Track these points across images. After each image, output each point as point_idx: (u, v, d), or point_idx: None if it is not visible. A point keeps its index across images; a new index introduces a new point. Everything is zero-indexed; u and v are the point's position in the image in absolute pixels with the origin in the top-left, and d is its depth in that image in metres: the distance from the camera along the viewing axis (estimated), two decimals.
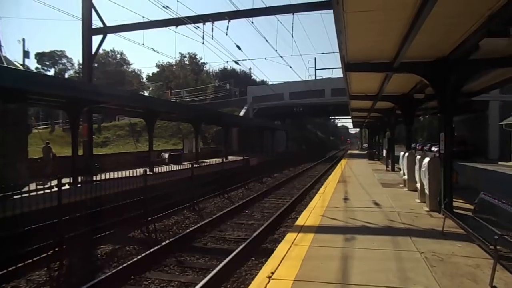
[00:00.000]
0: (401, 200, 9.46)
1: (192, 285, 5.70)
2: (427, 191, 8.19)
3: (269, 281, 4.19)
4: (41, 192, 7.51)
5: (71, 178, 11.72)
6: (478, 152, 33.69)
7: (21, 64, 30.01)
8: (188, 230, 9.12)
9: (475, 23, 5.53)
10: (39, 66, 68.46)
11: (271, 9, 15.93)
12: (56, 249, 7.05)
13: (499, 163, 27.03)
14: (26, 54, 36.06)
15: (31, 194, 7.37)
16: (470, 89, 11.54)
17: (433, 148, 37.45)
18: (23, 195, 7.24)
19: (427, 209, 8.11)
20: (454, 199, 7.60)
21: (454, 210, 6.90)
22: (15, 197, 7.33)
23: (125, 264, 6.56)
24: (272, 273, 4.43)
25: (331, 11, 5.54)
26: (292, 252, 5.22)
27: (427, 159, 8.24)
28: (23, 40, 36.06)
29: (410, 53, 6.93)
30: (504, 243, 3.96)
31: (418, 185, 9.18)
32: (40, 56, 68.44)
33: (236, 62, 22.45)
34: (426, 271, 4.39)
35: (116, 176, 9.88)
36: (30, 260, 6.75)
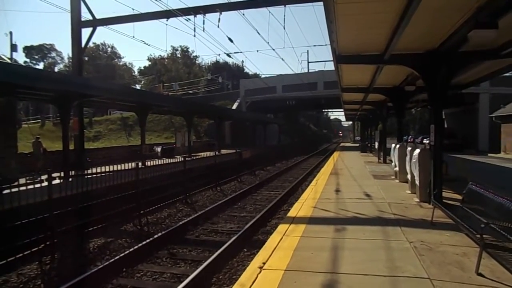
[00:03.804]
0: (392, 191, 9.57)
1: (185, 277, 5.72)
2: (417, 182, 8.29)
3: (260, 271, 4.23)
4: (31, 186, 7.45)
5: (62, 173, 11.61)
6: (468, 145, 34.15)
7: (8, 58, 29.49)
8: (180, 223, 9.13)
9: (464, 15, 5.57)
10: (28, 60, 67.45)
11: (262, 1, 15.77)
12: (48, 243, 7.02)
13: (489, 155, 27.46)
14: (13, 48, 35.44)
15: (21, 188, 7.30)
16: (460, 82, 11.65)
17: (425, 141, 37.78)
18: (13, 190, 7.17)
19: (417, 200, 8.22)
20: (444, 190, 7.70)
21: (444, 201, 6.99)
22: (4, 191, 7.25)
23: (117, 257, 6.56)
24: (264, 263, 4.47)
25: (322, 3, 5.52)
26: (283, 243, 5.26)
27: (417, 151, 8.33)
28: (11, 33, 35.42)
29: (401, 45, 6.97)
30: (490, 231, 4.03)
31: (409, 176, 9.28)
32: (28, 50, 67.37)
33: (228, 55, 22.29)
34: (415, 260, 4.46)
35: (107, 170, 9.83)
36: (21, 254, 6.71)
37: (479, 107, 34.76)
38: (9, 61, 24.15)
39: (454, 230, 5.51)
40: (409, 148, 9.38)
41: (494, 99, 33.33)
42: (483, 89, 33.10)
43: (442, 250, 4.78)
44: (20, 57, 64.06)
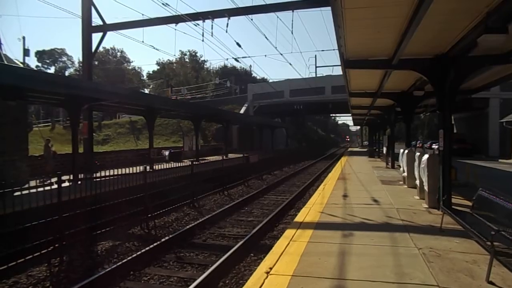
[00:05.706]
0: (400, 197, 9.48)
1: (191, 281, 5.73)
2: (426, 188, 8.20)
3: (267, 276, 4.22)
4: (41, 189, 7.54)
5: (71, 175, 11.73)
6: (478, 150, 33.70)
7: (21, 62, 30.06)
8: (187, 227, 9.16)
9: (474, 20, 5.54)
10: (39, 64, 68.61)
11: (270, 6, 15.91)
12: (56, 245, 7.09)
13: (500, 160, 27.04)
14: (26, 52, 35.99)
15: (31, 191, 7.40)
16: (470, 86, 11.55)
17: (434, 146, 37.38)
18: (23, 192, 7.26)
19: (426, 206, 8.13)
20: (453, 196, 7.63)
21: (453, 207, 6.93)
22: (15, 194, 7.35)
23: (125, 260, 6.60)
24: (271, 268, 4.46)
25: (330, 8, 5.54)
26: (290, 248, 5.25)
27: (426, 156, 8.25)
28: (23, 38, 35.95)
29: (409, 50, 6.94)
30: (501, 238, 3.97)
31: (417, 182, 9.19)
32: (40, 54, 68.51)
33: (236, 60, 22.52)
34: (423, 266, 4.41)
35: (116, 173, 9.91)
36: (31, 256, 6.79)
37: (489, 112, 34.30)
38: (21, 65, 24.59)
39: (463, 237, 5.44)
40: (417, 154, 9.30)
41: (504, 104, 32.84)
42: (494, 94, 32.67)
43: (452, 257, 4.72)
44: (32, 62, 65.17)
